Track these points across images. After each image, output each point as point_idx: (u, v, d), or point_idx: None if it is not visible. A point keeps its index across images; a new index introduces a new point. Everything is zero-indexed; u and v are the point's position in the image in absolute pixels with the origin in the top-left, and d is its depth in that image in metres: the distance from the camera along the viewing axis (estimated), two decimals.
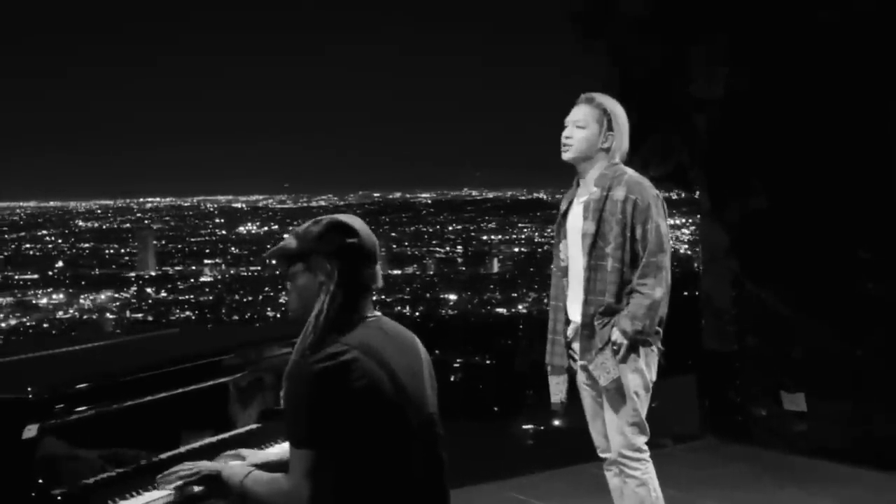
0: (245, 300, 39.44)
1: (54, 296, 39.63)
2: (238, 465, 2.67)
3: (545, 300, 4.49)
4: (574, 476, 6.00)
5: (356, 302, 2.56)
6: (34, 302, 39.06)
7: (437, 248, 45.26)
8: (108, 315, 38.08)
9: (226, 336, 4.57)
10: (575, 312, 4.10)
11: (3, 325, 36.53)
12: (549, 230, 40.89)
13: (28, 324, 36.44)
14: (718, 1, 7.79)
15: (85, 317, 37.88)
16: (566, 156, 4.12)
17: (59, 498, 2.52)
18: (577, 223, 4.09)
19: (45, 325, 36.12)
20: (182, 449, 2.98)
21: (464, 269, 43.82)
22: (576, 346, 4.13)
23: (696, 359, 7.32)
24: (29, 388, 2.56)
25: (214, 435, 3.14)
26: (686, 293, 9.70)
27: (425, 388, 2.60)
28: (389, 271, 44.78)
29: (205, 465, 2.65)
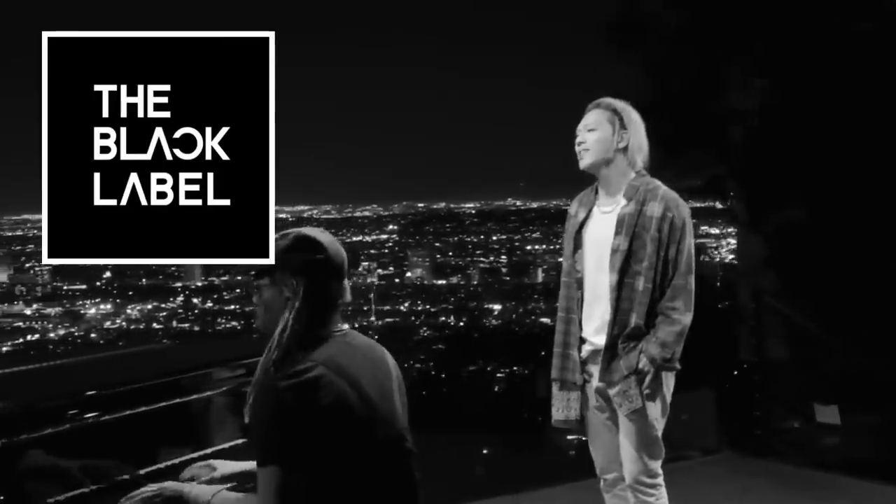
0: None
1: (102, 306, 40.06)
2: (205, 486, 2.63)
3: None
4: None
5: (323, 318, 2.50)
6: (82, 312, 39.51)
7: (482, 259, 45.20)
8: (155, 325, 38.46)
9: (215, 350, 4.53)
10: (593, 332, 3.92)
11: (53, 335, 37.00)
12: None
13: (76, 334, 36.88)
14: (754, 12, 7.72)
15: (132, 327, 38.26)
16: (584, 163, 3.97)
17: None
18: (601, 236, 3.90)
19: (92, 336, 36.52)
20: (161, 465, 2.94)
21: (508, 279, 43.70)
22: (591, 367, 3.95)
23: (715, 372, 7.22)
24: None
25: (196, 451, 3.10)
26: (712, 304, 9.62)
27: (395, 404, 2.54)
28: (434, 281, 44.84)
29: (169, 486, 2.60)
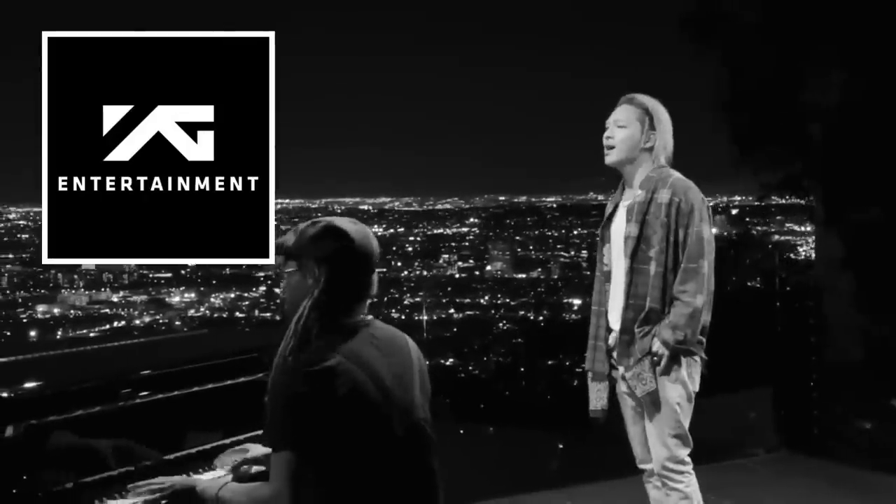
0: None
1: (186, 294, 40.71)
2: (214, 479, 2.67)
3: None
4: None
5: (347, 307, 2.55)
6: (167, 300, 40.20)
7: (562, 253, 44.94)
8: (238, 314, 38.95)
9: (250, 338, 4.61)
10: (616, 320, 4.06)
11: (139, 321, 37.74)
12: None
13: (161, 321, 37.56)
14: (833, 7, 7.57)
15: (215, 315, 38.80)
16: (609, 159, 4.08)
17: (40, 496, 2.55)
18: (619, 227, 4.05)
19: (177, 323, 37.14)
20: (193, 450, 3.00)
21: (588, 273, 43.32)
22: (616, 354, 4.08)
23: (781, 370, 7.14)
24: (7, 389, 2.59)
25: (228, 437, 3.15)
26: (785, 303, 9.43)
27: (414, 394, 2.57)
28: (514, 275, 44.70)
29: (178, 481, 2.65)
